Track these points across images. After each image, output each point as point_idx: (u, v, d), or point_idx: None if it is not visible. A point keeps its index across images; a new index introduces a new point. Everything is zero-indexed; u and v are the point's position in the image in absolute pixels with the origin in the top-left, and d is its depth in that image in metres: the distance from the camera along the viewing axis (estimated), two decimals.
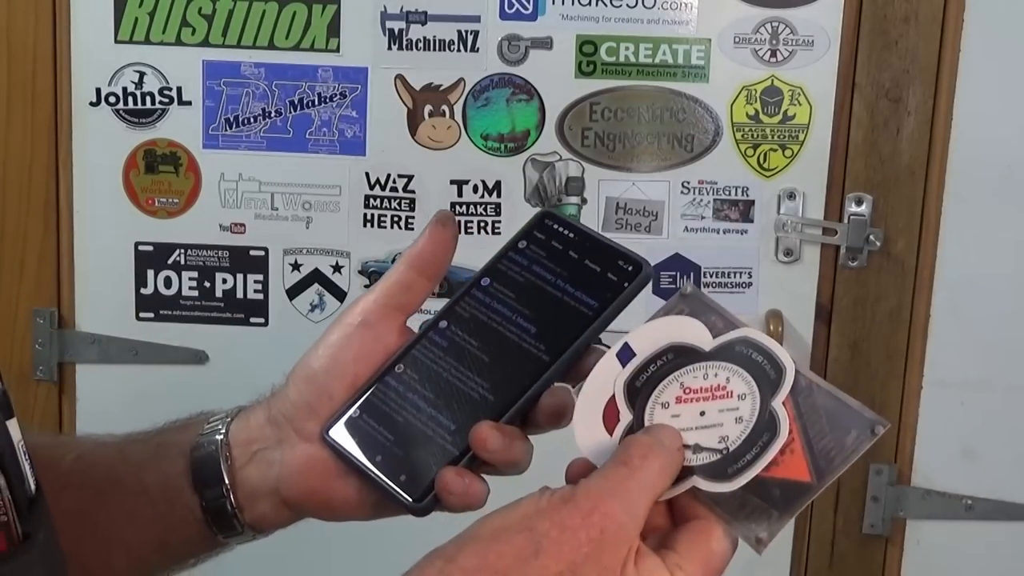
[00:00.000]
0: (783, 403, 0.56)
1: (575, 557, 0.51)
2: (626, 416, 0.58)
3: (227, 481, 0.65)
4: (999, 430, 1.51)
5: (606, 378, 0.59)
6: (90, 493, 0.65)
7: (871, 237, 1.47)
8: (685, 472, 0.56)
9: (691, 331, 0.59)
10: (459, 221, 1.49)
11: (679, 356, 0.58)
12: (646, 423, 0.57)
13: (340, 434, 0.63)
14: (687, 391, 0.57)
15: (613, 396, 0.58)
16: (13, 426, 0.50)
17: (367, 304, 0.65)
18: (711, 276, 1.50)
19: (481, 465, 0.61)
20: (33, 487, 0.51)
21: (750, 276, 1.50)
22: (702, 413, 0.57)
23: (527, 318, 0.63)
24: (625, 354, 0.59)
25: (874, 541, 1.54)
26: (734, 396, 0.57)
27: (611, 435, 0.58)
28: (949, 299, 1.48)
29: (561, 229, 0.65)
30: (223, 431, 0.66)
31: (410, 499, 0.61)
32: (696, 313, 0.59)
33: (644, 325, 0.60)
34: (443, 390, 0.63)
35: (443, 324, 0.65)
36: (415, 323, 0.67)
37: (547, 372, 0.61)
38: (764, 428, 0.56)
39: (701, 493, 0.56)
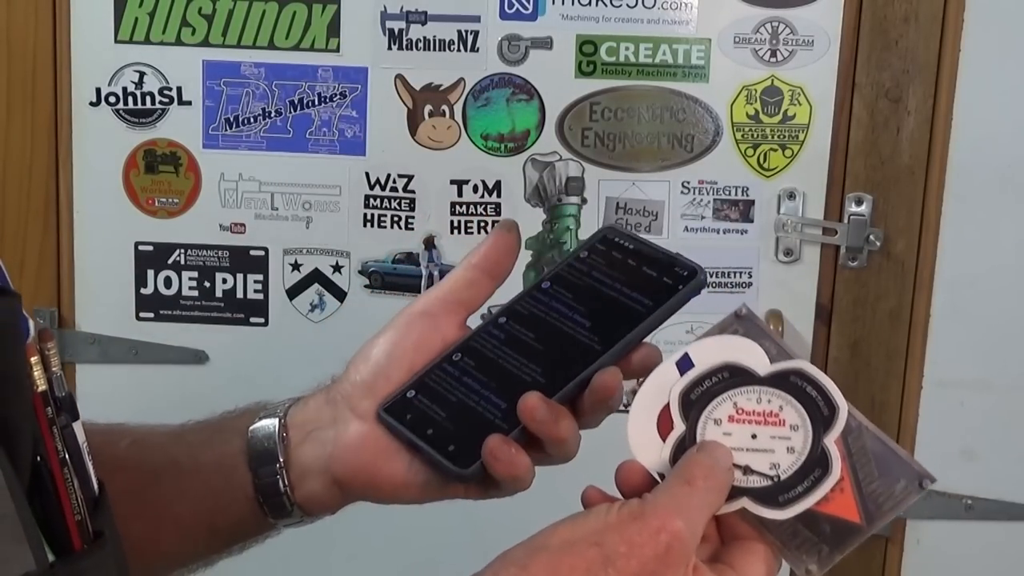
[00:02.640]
0: (834, 442, 0.58)
1: (642, 572, 0.53)
2: (679, 427, 0.59)
3: (281, 459, 0.67)
4: (999, 430, 1.51)
5: (663, 384, 0.61)
6: (144, 474, 0.67)
7: (871, 237, 1.47)
8: (735, 492, 0.57)
9: (749, 353, 0.60)
10: (459, 221, 1.50)
11: (734, 376, 0.60)
12: (698, 437, 0.59)
13: (394, 412, 0.66)
14: (740, 412, 0.59)
15: (668, 404, 0.60)
16: (79, 428, 0.52)
17: (430, 297, 0.69)
18: (711, 276, 1.50)
19: (529, 442, 0.63)
20: (97, 487, 0.53)
21: (750, 276, 1.50)
22: (754, 436, 0.58)
23: (583, 314, 0.66)
24: (684, 363, 0.61)
25: (874, 541, 1.54)
26: (786, 425, 0.58)
27: (663, 441, 0.60)
28: (949, 299, 1.48)
29: (622, 242, 0.69)
30: (282, 415, 0.69)
31: (456, 467, 0.63)
32: (751, 336, 0.61)
33: (703, 339, 0.62)
34: (497, 374, 0.65)
35: (502, 320, 0.68)
36: None
37: (599, 359, 0.64)
38: (815, 463, 0.58)
39: (750, 515, 0.57)
